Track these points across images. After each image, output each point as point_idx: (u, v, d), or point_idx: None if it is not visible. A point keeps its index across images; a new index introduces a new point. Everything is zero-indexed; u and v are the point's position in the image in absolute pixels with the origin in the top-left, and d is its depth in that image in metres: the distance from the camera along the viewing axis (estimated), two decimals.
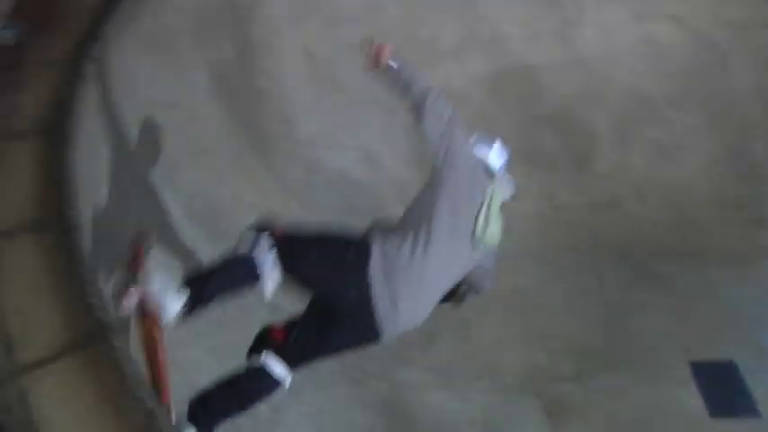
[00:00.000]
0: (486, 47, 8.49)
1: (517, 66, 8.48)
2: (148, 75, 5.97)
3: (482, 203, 4.14)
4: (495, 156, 4.51)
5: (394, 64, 4.25)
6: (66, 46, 5.27)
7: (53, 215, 3.78)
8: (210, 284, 3.76)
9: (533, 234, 7.81)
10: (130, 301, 3.50)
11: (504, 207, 4.37)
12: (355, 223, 6.99)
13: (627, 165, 8.34)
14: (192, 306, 3.70)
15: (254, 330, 4.03)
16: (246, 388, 3.80)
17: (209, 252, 5.69)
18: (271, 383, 3.82)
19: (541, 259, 7.61)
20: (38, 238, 3.66)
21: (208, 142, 6.45)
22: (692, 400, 6.52)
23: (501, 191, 4.34)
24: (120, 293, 3.54)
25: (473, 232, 4.10)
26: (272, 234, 4.13)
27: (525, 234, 7.76)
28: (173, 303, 3.58)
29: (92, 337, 3.20)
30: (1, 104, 4.68)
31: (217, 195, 6.24)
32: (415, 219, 4.07)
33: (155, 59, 6.04)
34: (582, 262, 7.64)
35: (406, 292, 3.86)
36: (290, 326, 4.00)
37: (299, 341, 3.90)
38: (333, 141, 7.57)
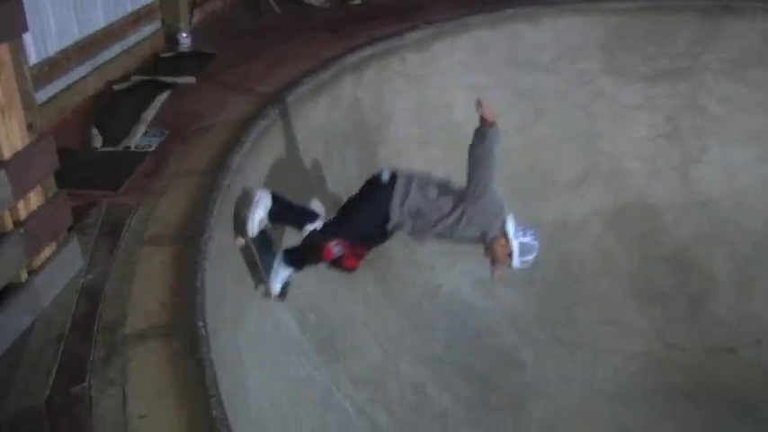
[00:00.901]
0: (608, 180, 8.53)
1: (637, 201, 8.50)
2: (279, 186, 6.16)
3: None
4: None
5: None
6: (205, 156, 5.52)
7: (182, 322, 3.89)
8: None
9: (643, 373, 7.63)
10: None
11: None
12: (466, 347, 7.03)
13: (745, 310, 8.14)
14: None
15: None
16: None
17: (321, 371, 5.75)
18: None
19: (650, 399, 7.38)
20: (167, 343, 3.77)
21: None
22: None
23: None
24: None
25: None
26: None
27: (635, 372, 7.61)
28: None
29: None
30: (140, 210, 4.90)
31: (331, 312, 6.30)
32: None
33: (285, 173, 6.24)
34: (694, 406, 7.36)
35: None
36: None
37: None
38: (450, 266, 7.62)
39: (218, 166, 5.37)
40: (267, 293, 5.44)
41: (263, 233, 5.41)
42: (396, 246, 7.30)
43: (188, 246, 4.51)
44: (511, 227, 4.95)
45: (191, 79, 6.98)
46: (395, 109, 7.86)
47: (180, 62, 7.47)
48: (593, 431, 6.93)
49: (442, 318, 7.28)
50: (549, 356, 7.49)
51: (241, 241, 5.36)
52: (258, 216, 5.27)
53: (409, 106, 7.94)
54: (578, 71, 8.72)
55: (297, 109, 6.54)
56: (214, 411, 3.38)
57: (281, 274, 5.44)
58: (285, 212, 5.42)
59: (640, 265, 8.27)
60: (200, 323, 3.89)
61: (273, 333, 5.53)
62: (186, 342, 3.77)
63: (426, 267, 7.51)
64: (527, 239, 4.98)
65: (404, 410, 6.36)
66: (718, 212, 8.52)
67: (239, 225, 5.33)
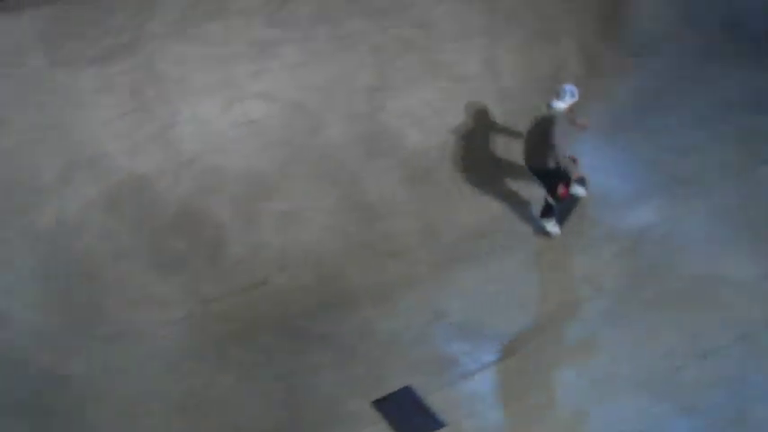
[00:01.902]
0: (93, 168, 8.49)
1: (128, 179, 8.56)
2: None
3: None
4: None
5: None
6: None
7: None
8: None
9: (192, 335, 7.88)
10: None
11: None
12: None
13: (260, 242, 8.75)
14: None
15: None
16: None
17: None
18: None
19: (206, 356, 7.68)
20: None
21: None
22: None
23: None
24: None
25: None
26: None
27: (182, 337, 7.86)
28: None
29: None
30: None
31: None
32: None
33: None
34: (246, 346, 7.79)
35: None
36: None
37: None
38: None
39: None
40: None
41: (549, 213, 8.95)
42: None
43: None
44: (557, 104, 8.32)
45: None
46: None
47: None
48: (167, 406, 7.10)
49: None
50: (93, 358, 7.43)
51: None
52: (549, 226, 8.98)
53: None
54: (31, 69, 8.47)
55: None
56: None
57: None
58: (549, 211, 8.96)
59: (152, 236, 8.41)
60: None
61: None
62: None
63: None
64: (562, 93, 8.32)
65: None
66: (207, 164, 8.92)
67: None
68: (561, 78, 10.42)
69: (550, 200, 8.79)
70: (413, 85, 10.42)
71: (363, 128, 9.92)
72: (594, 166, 9.84)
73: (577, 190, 9.23)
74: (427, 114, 10.34)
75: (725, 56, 11.51)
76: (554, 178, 8.60)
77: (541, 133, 8.45)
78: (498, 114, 10.62)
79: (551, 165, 8.49)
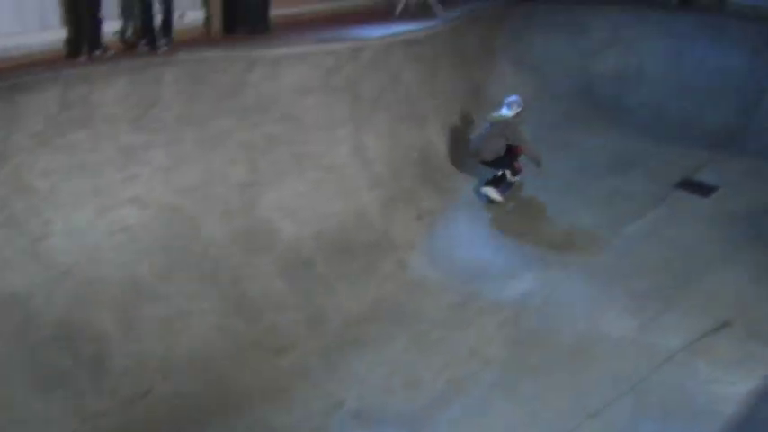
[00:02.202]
0: None
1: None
2: None
3: None
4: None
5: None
6: None
7: None
8: None
9: None
10: None
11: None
12: None
13: (143, 350, 8.50)
14: None
15: None
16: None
17: None
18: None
19: None
20: None
21: None
22: None
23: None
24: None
25: None
26: None
27: None
28: None
29: None
30: None
31: None
32: None
33: None
34: None
35: None
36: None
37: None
38: None
39: None
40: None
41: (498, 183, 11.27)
42: None
43: None
44: (504, 111, 11.07)
45: None
46: None
47: None
48: None
49: None
50: None
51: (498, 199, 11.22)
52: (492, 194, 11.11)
53: None
54: None
55: None
56: None
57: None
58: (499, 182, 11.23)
59: (30, 355, 7.97)
60: None
61: None
62: None
63: None
64: (509, 104, 11.12)
65: None
66: (83, 275, 8.67)
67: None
68: (430, 159, 10.77)
69: (510, 177, 11.32)
70: (284, 178, 10.62)
71: (239, 224, 10.01)
72: (469, 241, 10.12)
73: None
74: (300, 205, 10.53)
75: (583, 121, 12.25)
76: (508, 159, 11.12)
77: (496, 135, 10.97)
78: (370, 200, 10.86)
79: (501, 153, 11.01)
